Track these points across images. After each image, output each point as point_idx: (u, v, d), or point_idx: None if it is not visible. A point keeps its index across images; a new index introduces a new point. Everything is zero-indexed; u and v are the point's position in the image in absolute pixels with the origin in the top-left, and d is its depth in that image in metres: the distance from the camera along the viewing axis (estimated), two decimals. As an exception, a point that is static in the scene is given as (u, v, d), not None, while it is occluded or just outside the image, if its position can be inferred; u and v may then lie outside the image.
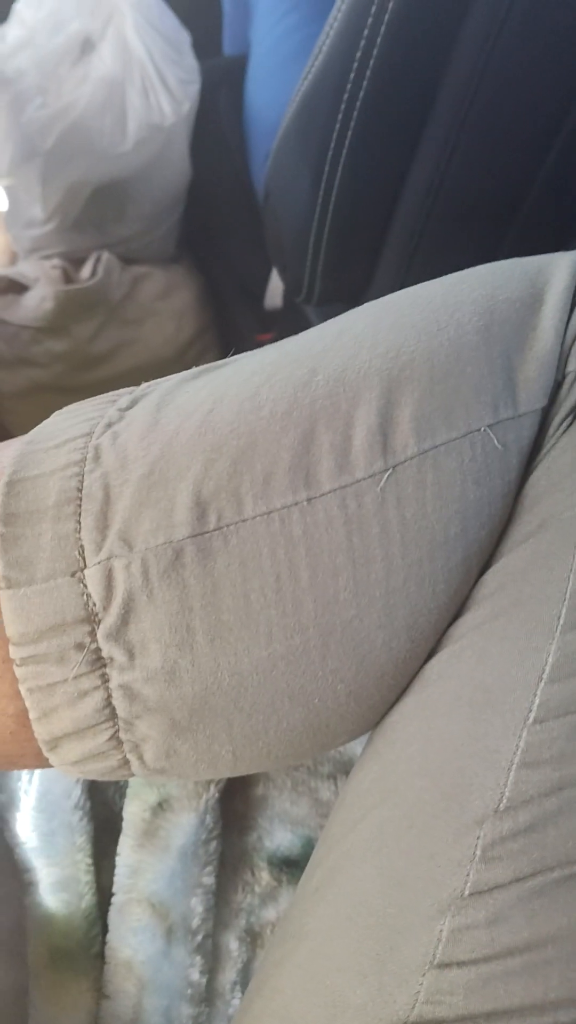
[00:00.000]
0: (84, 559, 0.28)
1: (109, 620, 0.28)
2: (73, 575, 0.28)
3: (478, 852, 0.27)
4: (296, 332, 0.34)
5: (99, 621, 0.28)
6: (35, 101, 0.90)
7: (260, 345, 0.34)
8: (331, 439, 0.29)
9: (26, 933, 0.42)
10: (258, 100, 0.97)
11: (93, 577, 0.28)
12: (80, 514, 0.29)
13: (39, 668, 0.28)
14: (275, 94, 0.94)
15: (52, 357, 0.94)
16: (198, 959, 0.41)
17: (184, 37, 0.95)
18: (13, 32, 0.93)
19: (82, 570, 0.28)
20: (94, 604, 0.28)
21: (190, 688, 0.29)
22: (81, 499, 0.29)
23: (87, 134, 0.88)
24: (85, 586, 0.28)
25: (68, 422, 0.33)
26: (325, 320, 0.35)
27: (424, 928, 0.27)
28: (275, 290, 0.96)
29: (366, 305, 0.34)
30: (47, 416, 0.34)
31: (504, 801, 0.27)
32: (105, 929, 0.42)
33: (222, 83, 1.00)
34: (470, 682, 0.29)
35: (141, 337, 0.99)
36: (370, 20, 0.49)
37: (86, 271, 0.96)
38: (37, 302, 0.92)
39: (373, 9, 0.48)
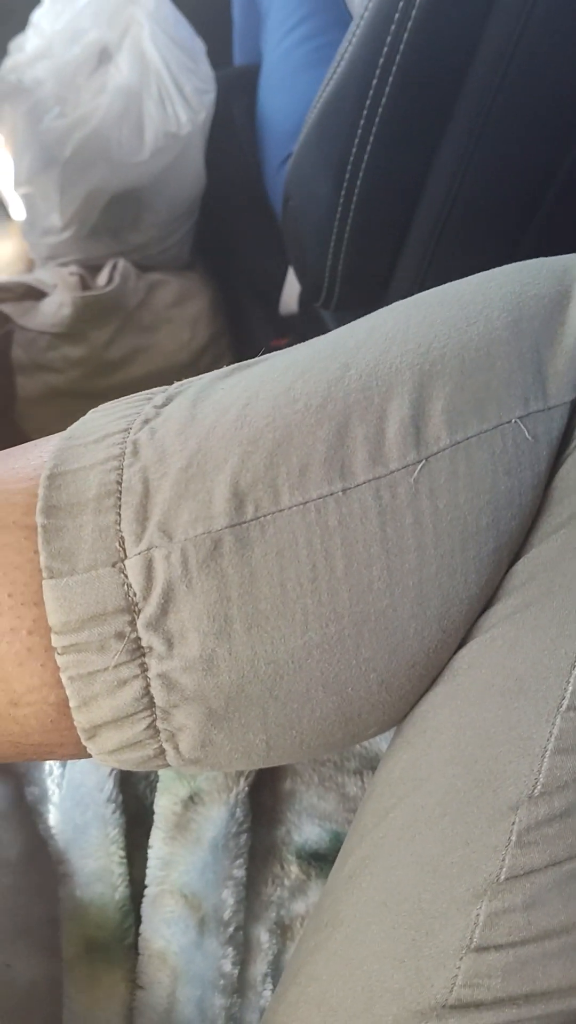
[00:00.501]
0: (124, 550, 0.29)
1: (149, 609, 0.29)
2: (114, 565, 0.29)
3: (513, 837, 0.27)
4: (311, 337, 0.35)
5: (139, 611, 0.29)
6: (53, 111, 0.91)
7: (274, 350, 0.35)
8: (365, 431, 0.29)
9: (59, 925, 0.43)
10: (271, 108, 0.98)
11: (133, 567, 0.29)
12: (120, 506, 0.29)
13: (80, 657, 0.29)
14: (287, 102, 0.95)
15: (69, 362, 0.95)
16: (230, 950, 0.42)
17: (199, 46, 0.97)
18: (31, 42, 0.95)
19: (123, 560, 0.29)
20: (134, 594, 0.29)
21: (227, 677, 0.29)
22: (121, 492, 0.30)
23: (104, 143, 0.90)
24: (126, 576, 0.29)
25: (106, 418, 0.33)
26: (341, 325, 0.35)
27: (460, 913, 0.28)
28: (289, 296, 0.97)
29: (395, 304, 0.35)
30: (64, 420, 0.35)
31: (539, 787, 0.27)
32: (138, 920, 0.43)
33: (236, 92, 1.01)
34: (502, 671, 0.29)
35: (156, 343, 1.00)
36: (393, 28, 0.50)
37: (103, 278, 0.97)
38: (55, 308, 0.93)
39: (396, 17, 0.49)
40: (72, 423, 0.34)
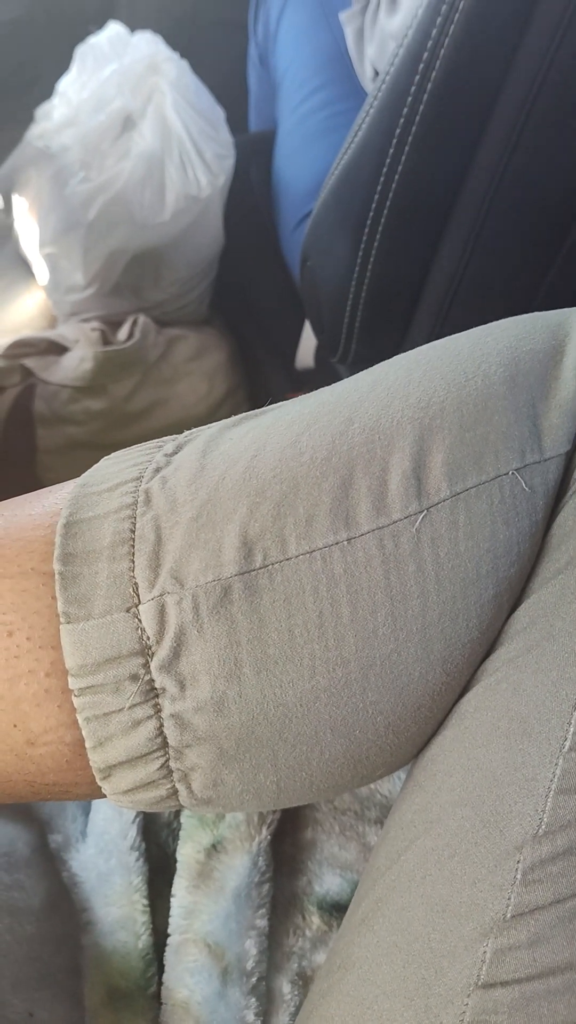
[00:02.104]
0: (138, 596, 0.30)
1: (162, 653, 0.30)
2: (128, 611, 0.30)
3: (518, 876, 0.28)
4: None
5: (152, 654, 0.30)
6: (78, 175, 0.95)
7: None
8: (368, 483, 0.31)
9: (82, 973, 0.43)
10: (287, 172, 1.01)
11: (147, 612, 0.30)
12: (134, 554, 0.31)
13: (96, 698, 0.30)
14: (302, 166, 0.99)
15: (90, 415, 0.97)
16: (253, 1001, 0.42)
17: (219, 114, 1.00)
18: (58, 110, 0.99)
19: (136, 606, 0.30)
20: (148, 638, 0.30)
21: (237, 718, 0.30)
22: (134, 540, 0.31)
23: (127, 206, 0.93)
24: (139, 621, 0.30)
25: (118, 467, 0.35)
26: (356, 379, 0.36)
27: (468, 951, 0.28)
28: (305, 350, 1.00)
29: (397, 357, 0.36)
30: (83, 472, 0.36)
31: (543, 826, 0.28)
32: (161, 969, 0.43)
33: (253, 156, 1.05)
34: (506, 713, 0.30)
35: (175, 396, 1.02)
36: (409, 100, 0.52)
37: (123, 333, 1.00)
38: (76, 363, 0.96)
39: (412, 90, 0.52)
40: None
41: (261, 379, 1.10)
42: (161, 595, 0.30)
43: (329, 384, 0.37)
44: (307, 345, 0.99)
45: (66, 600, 0.30)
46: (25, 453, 0.98)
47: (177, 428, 0.37)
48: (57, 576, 0.31)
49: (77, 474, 0.36)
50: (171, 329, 1.04)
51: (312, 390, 0.37)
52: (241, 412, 0.37)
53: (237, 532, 0.30)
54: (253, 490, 0.31)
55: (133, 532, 0.31)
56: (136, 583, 0.30)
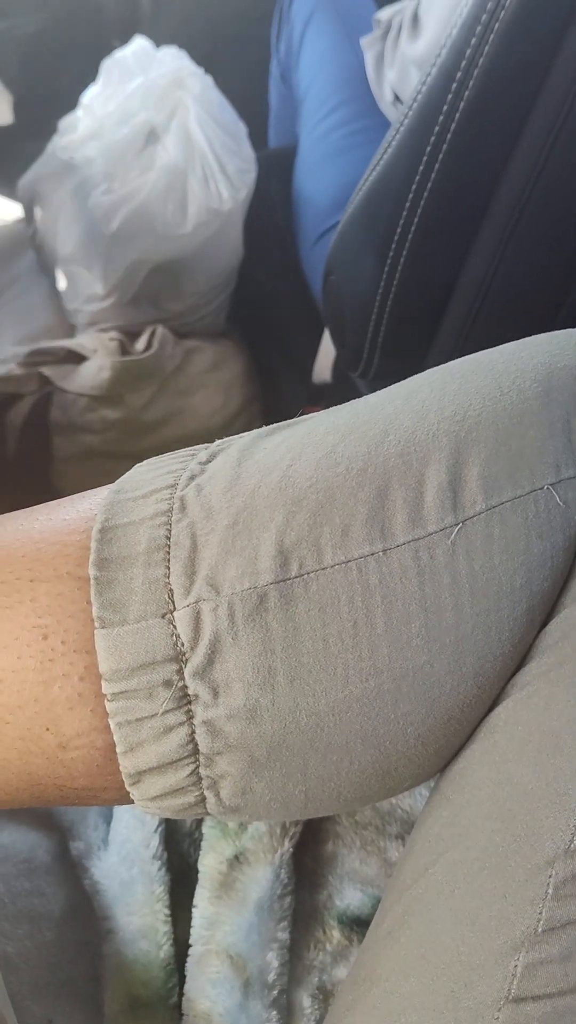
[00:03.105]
0: (173, 602, 0.30)
1: (196, 659, 0.30)
2: (163, 617, 0.30)
3: (550, 890, 0.28)
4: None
5: (186, 660, 0.30)
6: (101, 187, 0.95)
7: None
8: (404, 495, 0.31)
9: (103, 981, 0.42)
10: (307, 187, 1.02)
11: (182, 619, 0.30)
12: (169, 560, 0.31)
13: (129, 703, 0.30)
14: (322, 183, 1.00)
15: (106, 424, 0.98)
16: (274, 1014, 0.41)
17: (242, 129, 1.01)
18: (83, 123, 1.00)
19: (171, 612, 0.30)
20: (182, 644, 0.30)
21: (270, 726, 0.30)
22: (170, 546, 0.31)
23: (149, 218, 0.94)
24: (174, 627, 0.30)
25: (152, 473, 0.35)
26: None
27: (498, 965, 0.28)
28: (323, 364, 1.00)
29: (431, 371, 0.36)
30: (99, 480, 0.36)
31: (575, 841, 0.28)
32: (182, 980, 0.43)
33: (273, 171, 1.06)
34: (538, 727, 0.30)
35: (191, 407, 1.02)
36: (441, 118, 0.53)
37: (141, 343, 1.00)
38: (94, 372, 0.96)
39: (444, 108, 0.52)
40: (107, 483, 0.36)
41: (277, 392, 1.10)
42: (197, 602, 0.30)
43: (346, 398, 0.37)
44: (324, 359, 1.00)
45: (101, 605, 0.30)
46: (41, 461, 0.98)
47: (192, 439, 0.37)
48: (92, 581, 0.31)
49: (92, 483, 0.36)
50: (189, 340, 1.04)
51: (329, 404, 0.38)
52: (256, 425, 0.37)
53: (273, 540, 0.30)
54: (289, 499, 0.31)
55: (169, 538, 0.31)
56: (171, 589, 0.30)
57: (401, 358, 0.69)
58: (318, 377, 1.01)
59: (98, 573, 0.31)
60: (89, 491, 0.36)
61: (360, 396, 0.37)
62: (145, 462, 0.37)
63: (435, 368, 0.37)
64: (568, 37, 0.50)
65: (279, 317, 1.09)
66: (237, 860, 0.44)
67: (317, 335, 1.03)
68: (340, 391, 0.98)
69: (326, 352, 0.99)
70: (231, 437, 0.37)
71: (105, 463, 1.00)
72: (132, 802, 0.33)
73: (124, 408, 0.98)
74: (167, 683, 0.30)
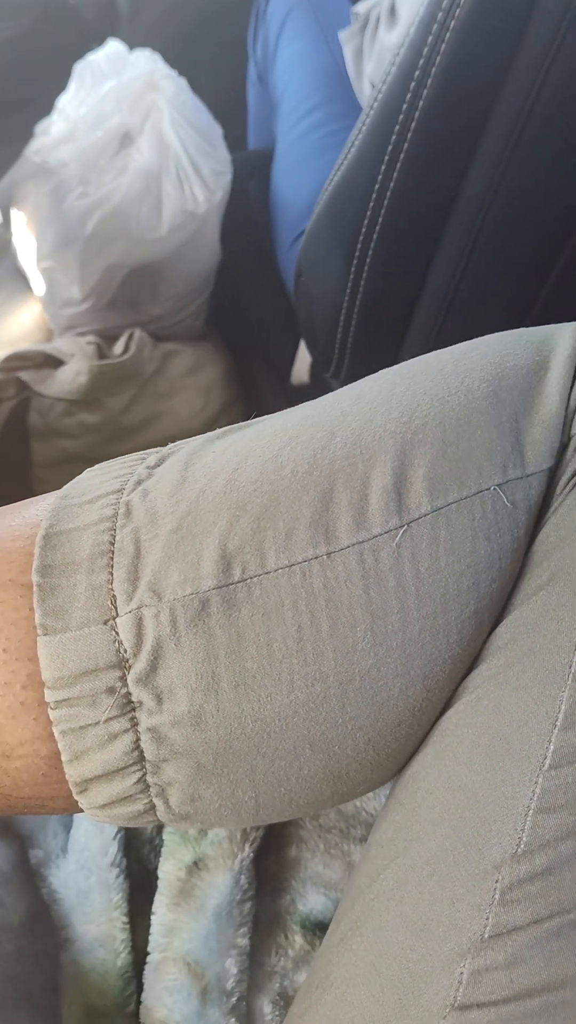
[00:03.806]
0: (116, 608, 0.30)
1: (139, 666, 0.29)
2: (106, 623, 0.30)
3: (497, 896, 0.28)
4: None
5: (130, 667, 0.30)
6: (76, 190, 0.95)
7: None
8: (349, 497, 0.30)
9: (60, 991, 0.42)
10: (284, 189, 1.02)
11: (124, 625, 0.30)
12: (112, 566, 0.30)
13: (72, 711, 0.30)
14: (299, 184, 1.00)
15: (85, 429, 0.97)
16: (233, 1021, 0.41)
17: (217, 131, 1.01)
18: (56, 126, 0.99)
19: (114, 619, 0.30)
20: (125, 651, 0.29)
21: (215, 732, 0.30)
22: (113, 552, 0.31)
23: (124, 221, 0.93)
24: (117, 633, 0.30)
25: (100, 478, 0.35)
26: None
27: (445, 971, 0.28)
28: (301, 366, 1.00)
29: (381, 372, 0.36)
30: None
31: (522, 846, 0.27)
32: (140, 988, 0.42)
33: (250, 173, 1.06)
34: (487, 731, 0.30)
35: (170, 410, 1.02)
36: (401, 117, 0.52)
37: (119, 347, 1.00)
38: (72, 376, 0.96)
39: (404, 108, 0.52)
40: None
41: (256, 394, 1.10)
42: (139, 608, 0.30)
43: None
44: (302, 361, 0.99)
45: (44, 612, 0.30)
46: (20, 466, 0.98)
47: (172, 442, 0.37)
48: (35, 588, 0.30)
49: (71, 488, 0.36)
50: (167, 344, 1.04)
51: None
52: (236, 427, 0.37)
53: (216, 545, 0.30)
54: (233, 503, 0.31)
55: (112, 544, 0.31)
56: (114, 595, 0.30)
57: (372, 359, 0.68)
58: (296, 379, 1.01)
59: (41, 580, 0.31)
60: (37, 497, 0.36)
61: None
62: (94, 467, 0.37)
63: (386, 369, 0.36)
64: (527, 35, 0.49)
65: (258, 319, 1.08)
66: (196, 866, 0.44)
67: (296, 337, 1.03)
68: (318, 393, 0.97)
69: (304, 354, 0.99)
70: (184, 440, 0.37)
71: (85, 468, 0.99)
72: (82, 811, 0.32)
73: (103, 412, 0.97)
74: (110, 690, 0.30)
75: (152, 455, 0.36)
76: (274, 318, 1.06)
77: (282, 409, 0.37)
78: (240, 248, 1.06)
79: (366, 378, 0.36)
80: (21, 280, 1.12)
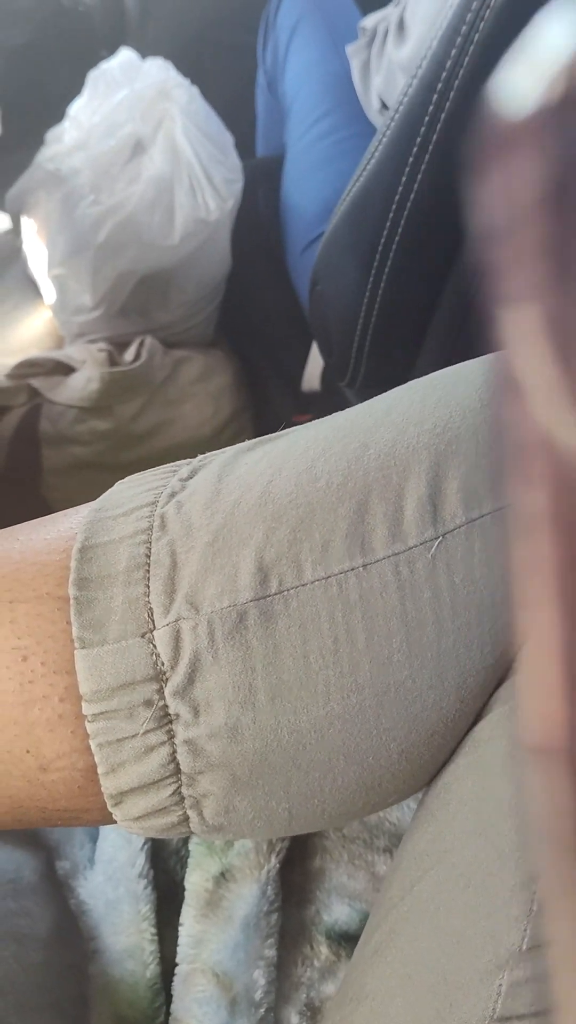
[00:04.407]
0: (153, 621, 0.30)
1: (176, 678, 0.29)
2: (143, 636, 0.30)
3: (535, 907, 0.28)
4: (332, 414, 0.36)
5: (167, 679, 0.30)
6: (88, 198, 0.95)
7: (296, 426, 0.36)
8: (384, 509, 0.31)
9: (89, 1002, 0.42)
10: (294, 196, 1.02)
11: (162, 638, 0.30)
12: (149, 579, 0.30)
13: (109, 724, 0.30)
14: (309, 191, 1.00)
15: (96, 435, 0.97)
16: (262, 1032, 0.41)
17: (228, 139, 1.01)
18: (69, 134, 1.00)
19: (151, 631, 0.30)
20: (162, 663, 0.29)
21: (251, 745, 0.30)
22: (149, 565, 0.31)
23: (136, 228, 0.94)
24: (154, 646, 0.30)
25: (133, 491, 0.35)
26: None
27: (483, 983, 0.28)
28: (312, 373, 1.00)
29: (412, 383, 0.36)
30: (88, 491, 0.36)
31: None
32: (169, 999, 0.42)
33: (260, 180, 1.06)
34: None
35: (180, 417, 1.02)
36: (423, 128, 0.53)
37: (130, 354, 1.00)
38: (83, 383, 0.96)
39: (426, 119, 0.52)
40: (97, 494, 0.35)
41: (266, 401, 1.10)
42: (176, 620, 0.30)
43: (335, 407, 0.37)
44: (313, 368, 1.00)
45: (81, 625, 0.30)
46: (31, 473, 0.98)
47: (182, 449, 0.37)
48: (72, 601, 0.30)
49: (82, 494, 0.36)
50: (177, 351, 1.04)
51: (318, 413, 0.37)
52: (246, 434, 0.37)
53: (253, 557, 0.30)
54: (269, 515, 0.31)
55: (148, 557, 0.31)
56: (151, 608, 0.30)
57: (388, 367, 0.68)
58: (307, 386, 1.01)
59: (78, 593, 0.31)
60: (70, 510, 0.36)
61: (349, 405, 0.37)
62: (127, 479, 0.37)
63: (416, 380, 0.36)
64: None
65: (268, 326, 1.09)
66: (223, 877, 0.44)
67: (306, 344, 1.03)
68: (329, 400, 0.98)
69: (315, 361, 0.99)
70: (213, 452, 0.36)
71: (94, 474, 1.00)
72: (115, 823, 0.32)
73: (113, 419, 0.97)
74: (147, 703, 0.30)
75: (184, 467, 0.36)
76: (284, 325, 1.07)
77: (293, 416, 0.37)
78: (250, 255, 1.06)
79: (396, 389, 0.36)
80: (32, 287, 1.12)
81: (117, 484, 0.37)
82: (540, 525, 0.12)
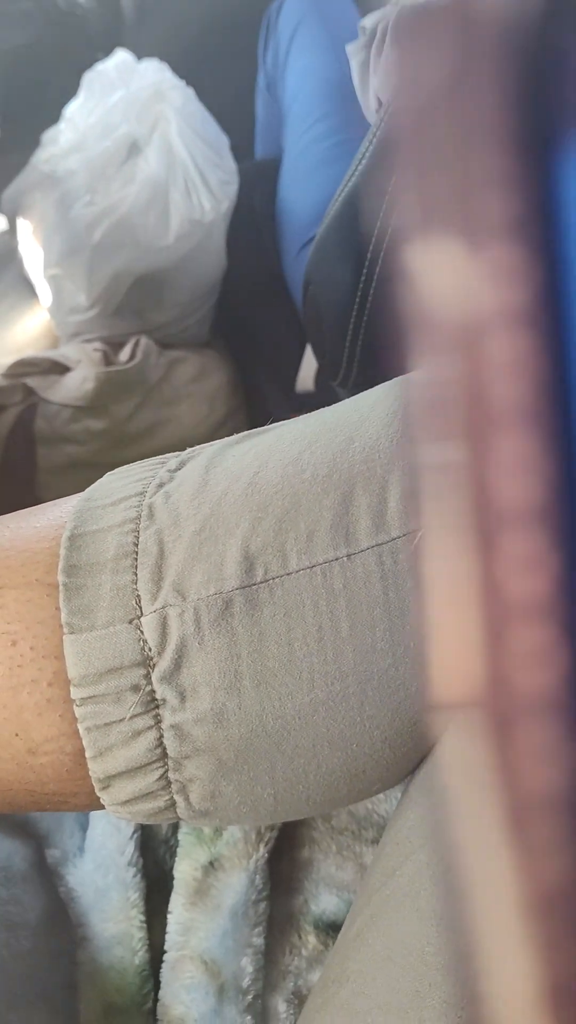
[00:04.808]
0: (141, 608, 0.31)
1: (163, 664, 0.30)
2: (131, 622, 0.30)
3: None
4: None
5: (154, 665, 0.30)
6: (83, 199, 0.96)
7: None
8: (368, 501, 0.31)
9: (78, 989, 0.42)
10: (291, 198, 1.03)
11: (149, 624, 0.30)
12: (137, 567, 0.31)
13: (97, 708, 0.30)
14: (307, 193, 1.00)
15: (91, 435, 0.98)
16: (248, 1019, 0.42)
17: (224, 141, 1.02)
18: (65, 135, 1.00)
19: (139, 618, 0.30)
20: (149, 649, 0.30)
21: (236, 730, 0.30)
22: (137, 553, 0.31)
23: (132, 229, 0.94)
24: (142, 632, 0.30)
25: (121, 481, 0.35)
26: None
27: (463, 963, 0.28)
28: (306, 374, 1.01)
29: (398, 378, 0.37)
30: (83, 491, 0.37)
31: None
32: (157, 986, 0.43)
33: (257, 182, 1.07)
34: None
35: (175, 417, 1.03)
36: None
37: (125, 354, 1.00)
38: (78, 383, 0.96)
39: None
40: None
41: (261, 402, 1.11)
42: (163, 607, 0.30)
43: (330, 407, 0.37)
44: (308, 369, 1.00)
45: (70, 611, 0.31)
46: (26, 472, 0.98)
47: (177, 449, 0.38)
48: (61, 587, 0.31)
49: (77, 493, 0.36)
50: (172, 351, 1.05)
51: (312, 413, 0.38)
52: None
53: (239, 546, 0.31)
54: (255, 505, 0.32)
55: (136, 545, 0.32)
56: (139, 595, 0.31)
57: (380, 367, 0.69)
58: (302, 386, 1.02)
59: (67, 579, 0.31)
60: (60, 500, 0.37)
61: (342, 404, 0.37)
62: (116, 470, 0.38)
63: (402, 376, 0.37)
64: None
65: (263, 327, 1.09)
66: (212, 866, 0.44)
67: (301, 345, 1.04)
68: (323, 400, 0.98)
69: (310, 361, 1.00)
70: (201, 445, 0.37)
71: (90, 473, 0.99)
72: (103, 807, 0.33)
73: (108, 419, 0.98)
74: (135, 687, 0.30)
75: (172, 459, 0.36)
76: (279, 326, 1.07)
77: (286, 416, 0.38)
78: (245, 256, 1.07)
79: (382, 384, 0.37)
80: (27, 288, 1.13)
81: (106, 475, 0.37)
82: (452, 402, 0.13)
